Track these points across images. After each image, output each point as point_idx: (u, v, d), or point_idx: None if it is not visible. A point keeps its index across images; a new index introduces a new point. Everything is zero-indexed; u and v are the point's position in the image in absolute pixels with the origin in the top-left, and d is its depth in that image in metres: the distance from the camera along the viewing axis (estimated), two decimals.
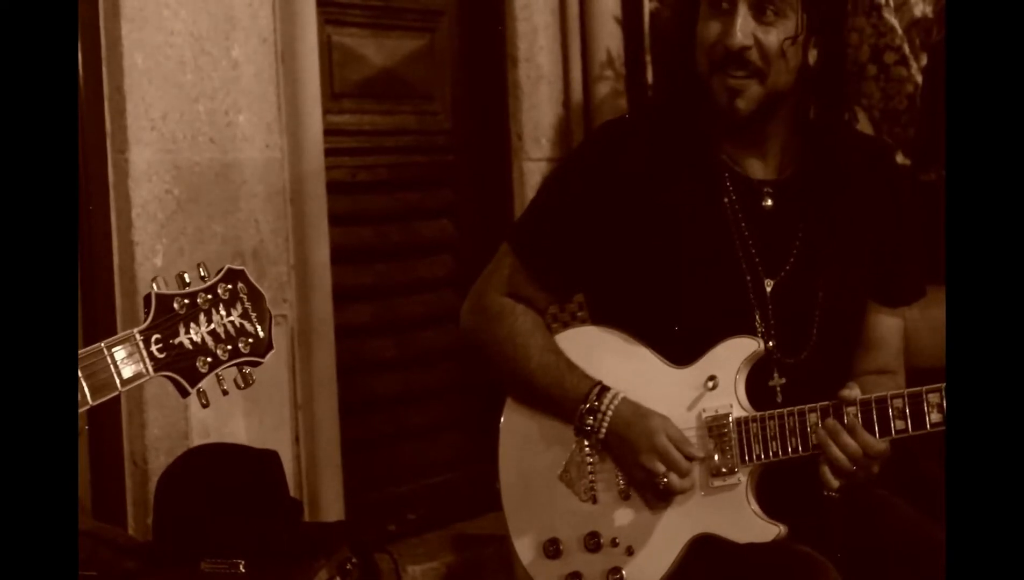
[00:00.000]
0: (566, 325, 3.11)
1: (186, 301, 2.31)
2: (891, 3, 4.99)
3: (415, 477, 4.63)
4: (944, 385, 2.53)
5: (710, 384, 2.69)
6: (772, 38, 2.67)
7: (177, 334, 2.29)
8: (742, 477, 2.67)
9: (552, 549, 2.75)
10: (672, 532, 2.69)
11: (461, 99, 4.82)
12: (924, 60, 4.89)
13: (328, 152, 4.22)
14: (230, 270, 2.36)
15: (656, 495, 2.69)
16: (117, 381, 2.23)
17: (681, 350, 2.71)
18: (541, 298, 2.83)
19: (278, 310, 4.02)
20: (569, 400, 2.73)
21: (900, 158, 4.73)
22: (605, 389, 2.72)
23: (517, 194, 4.84)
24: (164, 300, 2.29)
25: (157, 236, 3.77)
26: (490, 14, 4.85)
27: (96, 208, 3.72)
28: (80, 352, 2.20)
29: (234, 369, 2.35)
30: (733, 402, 2.68)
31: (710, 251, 2.73)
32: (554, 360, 2.76)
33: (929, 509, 2.68)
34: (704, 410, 2.69)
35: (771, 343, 2.71)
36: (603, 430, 2.71)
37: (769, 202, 2.77)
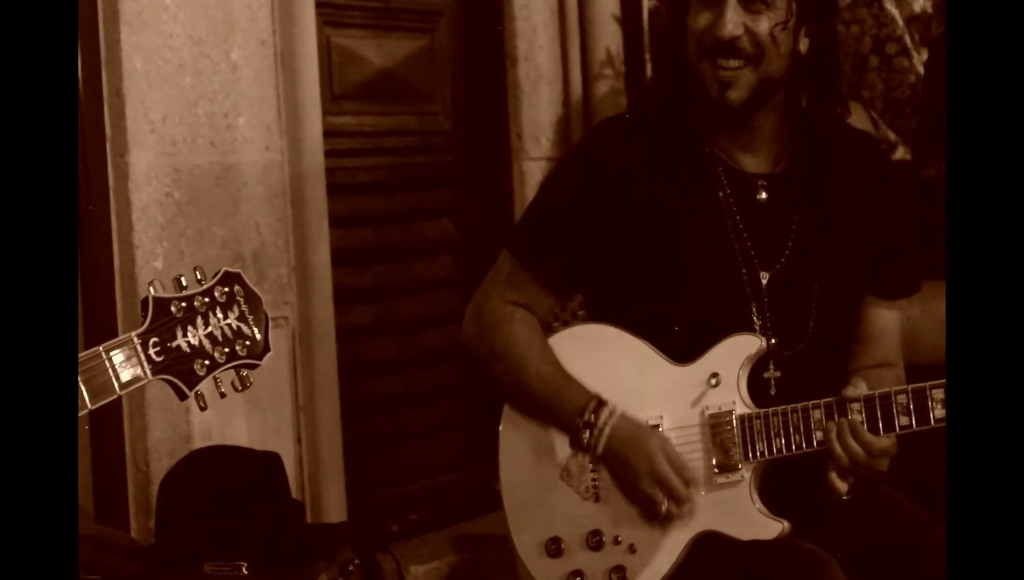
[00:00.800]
0: (567, 324, 3.10)
1: (183, 304, 2.31)
2: None
3: (417, 477, 4.62)
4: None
5: (712, 381, 2.69)
6: (762, 25, 2.67)
7: (175, 337, 2.29)
8: (745, 474, 2.66)
9: (554, 548, 2.75)
10: (675, 530, 2.69)
11: (461, 99, 4.81)
12: (924, 55, 4.88)
13: (328, 153, 4.21)
14: (227, 273, 2.36)
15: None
16: (115, 385, 2.23)
17: (680, 344, 2.71)
18: (543, 300, 2.83)
19: (279, 312, 4.02)
20: (565, 413, 2.73)
21: (902, 152, 4.73)
22: (602, 404, 2.71)
23: (517, 194, 4.84)
24: (161, 303, 2.29)
25: (157, 239, 3.76)
26: (489, 14, 4.85)
27: (96, 211, 3.72)
28: (78, 356, 2.20)
29: (232, 371, 2.35)
30: (736, 399, 2.68)
31: (706, 245, 2.73)
32: (551, 370, 2.76)
33: (932, 505, 2.68)
34: (707, 407, 2.69)
35: (770, 337, 2.71)
36: (600, 447, 2.71)
37: (763, 195, 2.77)
